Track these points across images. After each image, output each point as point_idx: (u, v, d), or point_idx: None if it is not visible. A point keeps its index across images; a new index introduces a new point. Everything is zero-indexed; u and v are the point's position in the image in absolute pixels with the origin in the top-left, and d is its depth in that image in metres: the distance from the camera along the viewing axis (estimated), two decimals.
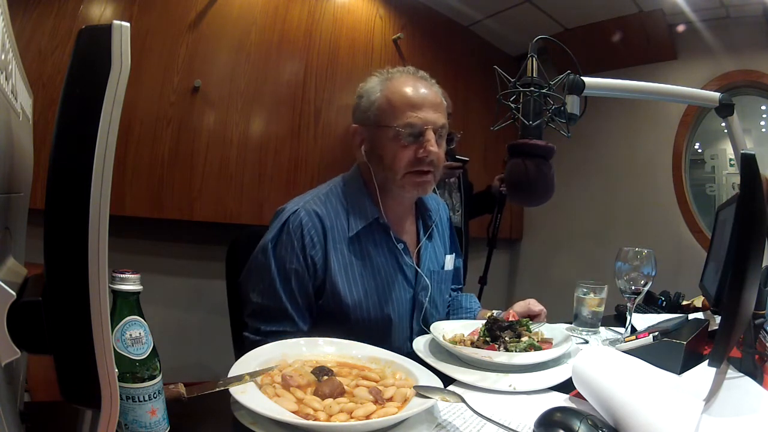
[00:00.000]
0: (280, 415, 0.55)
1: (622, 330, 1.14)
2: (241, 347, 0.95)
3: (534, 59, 0.81)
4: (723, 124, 0.99)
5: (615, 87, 0.91)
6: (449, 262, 1.14)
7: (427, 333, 1.05)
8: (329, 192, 1.02)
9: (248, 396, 0.59)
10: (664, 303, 1.45)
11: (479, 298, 2.78)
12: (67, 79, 0.34)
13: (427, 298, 1.05)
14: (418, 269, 1.04)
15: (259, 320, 0.95)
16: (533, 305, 1.08)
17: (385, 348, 0.98)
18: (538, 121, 0.80)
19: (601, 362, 0.69)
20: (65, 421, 0.49)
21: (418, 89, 0.94)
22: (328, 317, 0.98)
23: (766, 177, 0.73)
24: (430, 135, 0.93)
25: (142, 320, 0.51)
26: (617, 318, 1.40)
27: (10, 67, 0.46)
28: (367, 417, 0.58)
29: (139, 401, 0.50)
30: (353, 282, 0.97)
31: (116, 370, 0.37)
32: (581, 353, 0.75)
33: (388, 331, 1.01)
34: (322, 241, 0.95)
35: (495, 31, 3.21)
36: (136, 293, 0.51)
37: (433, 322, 1.06)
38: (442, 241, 1.16)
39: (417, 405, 0.61)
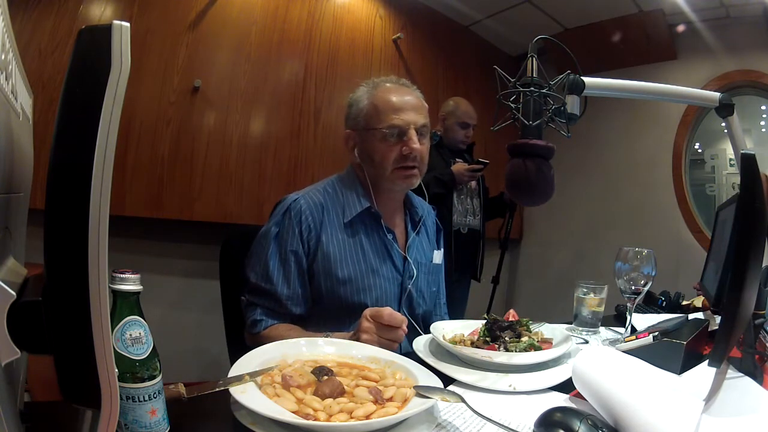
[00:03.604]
0: (280, 415, 0.55)
1: (622, 330, 1.14)
2: (236, 348, 0.96)
3: (534, 59, 0.81)
4: (723, 124, 0.99)
5: (615, 87, 0.91)
6: (437, 256, 1.23)
7: (414, 322, 1.10)
8: (326, 186, 1.12)
9: (248, 396, 0.59)
10: (664, 303, 1.45)
11: (492, 296, 2.84)
12: (67, 79, 0.34)
13: (412, 285, 1.12)
14: (407, 256, 1.13)
15: (255, 296, 1.04)
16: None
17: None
18: (538, 121, 0.80)
19: (601, 362, 0.69)
20: (65, 421, 0.49)
21: (399, 95, 1.07)
22: (321, 299, 1.05)
23: (766, 176, 0.73)
24: (412, 134, 1.04)
25: (142, 320, 0.51)
26: (617, 318, 1.40)
27: (10, 67, 0.46)
28: (367, 417, 0.58)
29: (139, 401, 0.50)
30: (344, 261, 1.05)
31: (116, 370, 0.37)
32: (581, 353, 0.75)
33: None
34: (317, 227, 1.05)
35: (495, 31, 3.21)
36: (136, 293, 0.51)
37: (420, 312, 1.13)
38: (430, 239, 1.24)
39: (417, 405, 0.61)
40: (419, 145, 1.05)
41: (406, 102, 1.06)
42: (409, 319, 1.10)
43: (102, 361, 0.36)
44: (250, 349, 0.74)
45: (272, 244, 1.03)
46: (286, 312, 1.03)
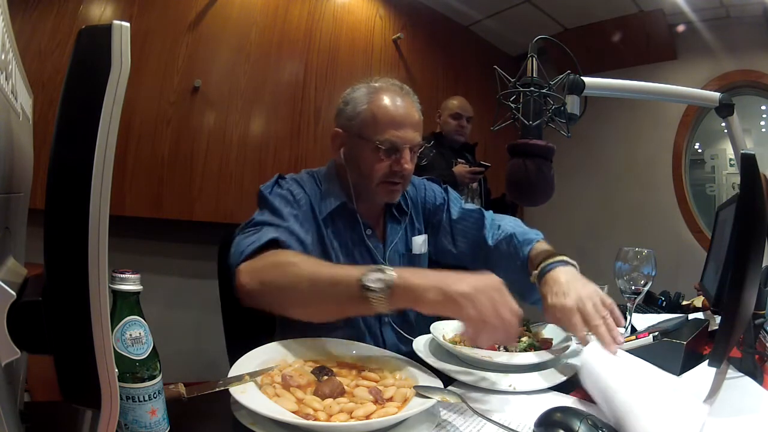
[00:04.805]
0: (280, 415, 0.55)
1: (621, 330, 1.14)
2: (236, 348, 0.95)
3: (534, 59, 0.81)
4: (723, 124, 0.99)
5: (615, 87, 0.91)
6: (418, 244, 1.15)
7: (402, 318, 1.09)
8: (308, 175, 1.11)
9: (248, 396, 0.59)
10: (664, 303, 1.45)
11: None
12: (67, 79, 0.34)
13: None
14: (383, 260, 1.09)
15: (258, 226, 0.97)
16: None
17: (360, 324, 1.03)
18: (538, 121, 0.80)
19: (604, 361, 0.69)
20: (65, 421, 0.49)
21: (402, 107, 1.01)
22: None
23: (766, 177, 0.73)
24: (407, 153, 1.00)
25: (142, 320, 0.51)
26: None
27: (10, 67, 0.46)
28: (367, 417, 0.58)
29: (139, 401, 0.50)
30: (324, 254, 1.01)
31: (116, 370, 0.37)
32: (588, 349, 0.75)
33: None
34: (308, 202, 1.02)
35: (495, 31, 3.21)
36: (136, 293, 0.51)
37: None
38: (417, 221, 1.17)
39: (417, 405, 0.61)
40: (410, 165, 1.01)
41: (406, 117, 1.00)
42: (399, 326, 1.09)
43: (102, 361, 0.36)
44: (249, 346, 0.74)
45: (270, 197, 0.99)
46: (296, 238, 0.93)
